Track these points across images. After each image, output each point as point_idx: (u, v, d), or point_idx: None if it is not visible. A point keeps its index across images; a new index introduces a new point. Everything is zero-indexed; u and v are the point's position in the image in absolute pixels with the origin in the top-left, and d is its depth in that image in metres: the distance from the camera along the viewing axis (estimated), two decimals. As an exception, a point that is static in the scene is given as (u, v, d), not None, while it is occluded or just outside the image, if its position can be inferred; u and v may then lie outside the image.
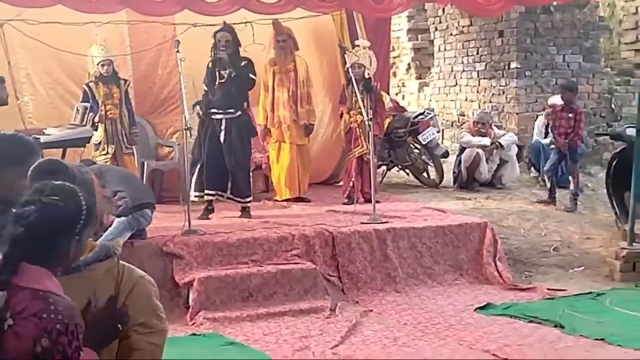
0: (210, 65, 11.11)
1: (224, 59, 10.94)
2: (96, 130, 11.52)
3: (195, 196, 11.16)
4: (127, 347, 3.39)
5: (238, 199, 11.32)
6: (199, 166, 11.17)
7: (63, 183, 3.30)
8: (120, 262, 3.42)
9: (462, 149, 14.05)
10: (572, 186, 13.05)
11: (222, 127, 11.09)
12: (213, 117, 11.08)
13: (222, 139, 11.07)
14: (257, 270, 9.73)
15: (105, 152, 11.63)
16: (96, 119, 11.46)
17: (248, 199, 11.39)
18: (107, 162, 11.34)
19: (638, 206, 10.79)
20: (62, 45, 11.39)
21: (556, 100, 13.89)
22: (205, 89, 11.09)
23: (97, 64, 11.58)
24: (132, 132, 11.86)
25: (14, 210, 3.08)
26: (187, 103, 10.59)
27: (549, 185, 13.32)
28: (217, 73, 11.04)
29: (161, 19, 10.67)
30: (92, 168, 9.98)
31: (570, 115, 13.05)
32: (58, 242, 3.12)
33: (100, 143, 11.64)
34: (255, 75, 11.31)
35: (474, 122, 14.43)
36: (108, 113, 11.59)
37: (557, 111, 13.27)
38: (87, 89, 11.57)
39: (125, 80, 11.95)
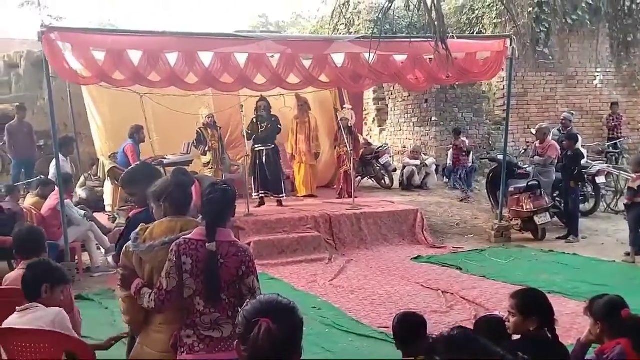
0: (254, 120, 11.18)
1: (264, 116, 11.12)
2: (205, 155, 11.48)
3: (256, 194, 11.27)
4: None
5: (275, 195, 11.35)
6: (253, 178, 11.31)
7: (225, 180, 3.48)
8: None
9: (404, 167, 14.02)
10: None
11: (264, 154, 11.17)
12: (258, 148, 11.14)
13: (263, 160, 11.15)
14: (287, 236, 9.81)
15: (212, 168, 11.53)
16: (206, 149, 11.45)
17: (281, 196, 11.38)
18: (211, 174, 11.33)
19: (504, 200, 10.82)
20: (176, 107, 11.32)
21: (462, 140, 13.97)
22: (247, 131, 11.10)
23: (206, 117, 11.50)
24: (223, 156, 11.76)
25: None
26: (246, 140, 10.65)
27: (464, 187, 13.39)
28: (259, 125, 11.14)
29: (231, 93, 10.66)
30: (196, 176, 10.08)
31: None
32: (231, 210, 3.35)
33: (209, 162, 11.57)
34: (281, 125, 11.46)
35: (410, 151, 14.43)
36: (213, 145, 11.54)
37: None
38: (200, 131, 11.47)
39: (220, 127, 11.85)
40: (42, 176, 10.23)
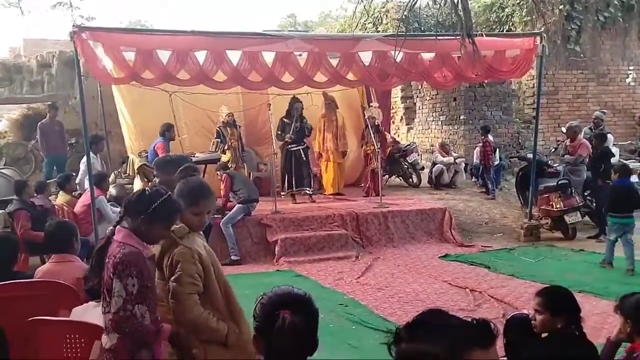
0: (286, 119, 11.30)
1: (295, 117, 11.25)
2: (225, 154, 11.57)
3: (288, 192, 11.54)
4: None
5: (307, 189, 11.52)
6: (286, 176, 11.50)
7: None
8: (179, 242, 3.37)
9: (433, 164, 13.92)
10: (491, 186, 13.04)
11: (297, 153, 11.31)
12: (291, 148, 11.29)
13: (296, 158, 11.35)
14: (314, 234, 9.83)
15: (231, 166, 11.56)
16: (226, 147, 11.51)
17: (311, 189, 11.57)
18: None
19: (533, 199, 10.71)
20: (204, 105, 11.45)
21: (490, 138, 13.81)
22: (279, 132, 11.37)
23: (225, 115, 11.55)
24: (243, 154, 11.86)
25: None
26: (274, 138, 10.70)
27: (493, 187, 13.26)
28: (292, 124, 11.24)
29: (259, 91, 10.70)
30: (229, 172, 10.17)
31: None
32: (139, 213, 3.14)
33: (228, 161, 11.63)
34: (311, 127, 11.65)
35: (439, 147, 14.32)
36: (232, 144, 11.60)
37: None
38: (219, 129, 11.57)
39: (239, 126, 11.92)
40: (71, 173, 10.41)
